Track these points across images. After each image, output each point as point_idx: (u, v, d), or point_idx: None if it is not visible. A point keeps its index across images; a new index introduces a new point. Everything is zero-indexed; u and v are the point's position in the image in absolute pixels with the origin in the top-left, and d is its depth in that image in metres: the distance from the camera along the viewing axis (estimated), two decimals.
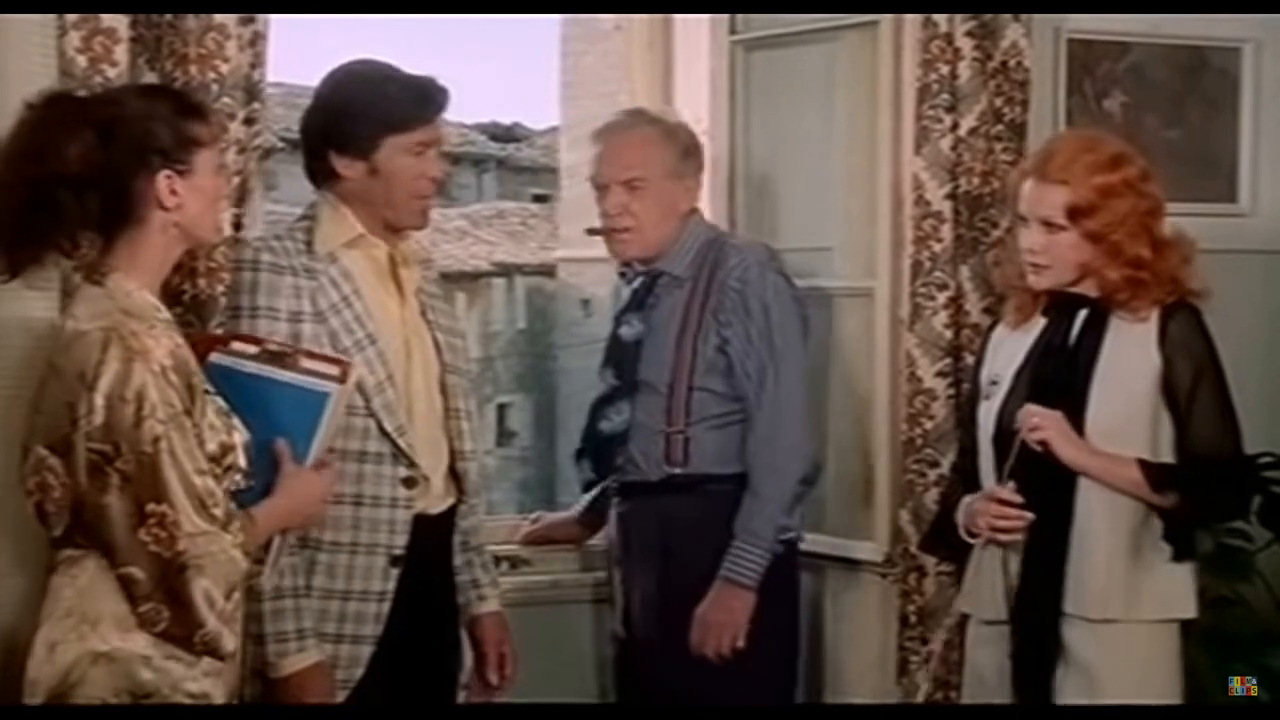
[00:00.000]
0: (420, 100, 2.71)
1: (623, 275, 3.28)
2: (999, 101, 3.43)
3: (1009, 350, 2.88)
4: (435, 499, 2.76)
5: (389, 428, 2.67)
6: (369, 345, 2.67)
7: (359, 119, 2.68)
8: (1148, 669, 2.78)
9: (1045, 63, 3.65)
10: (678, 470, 3.13)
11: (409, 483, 2.69)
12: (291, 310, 2.65)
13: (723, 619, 3.06)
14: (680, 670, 3.08)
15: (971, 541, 2.84)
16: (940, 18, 3.38)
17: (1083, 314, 2.79)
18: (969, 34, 3.39)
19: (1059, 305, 2.81)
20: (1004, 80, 3.44)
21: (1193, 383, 2.73)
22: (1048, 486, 2.74)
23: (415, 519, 2.71)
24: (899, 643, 3.50)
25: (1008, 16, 3.42)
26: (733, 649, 3.05)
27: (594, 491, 3.38)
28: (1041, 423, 2.73)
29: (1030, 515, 2.74)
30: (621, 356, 3.21)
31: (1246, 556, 3.52)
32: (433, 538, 2.77)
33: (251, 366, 2.48)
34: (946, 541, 2.98)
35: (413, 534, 2.70)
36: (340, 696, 2.66)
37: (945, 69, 3.40)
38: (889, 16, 3.47)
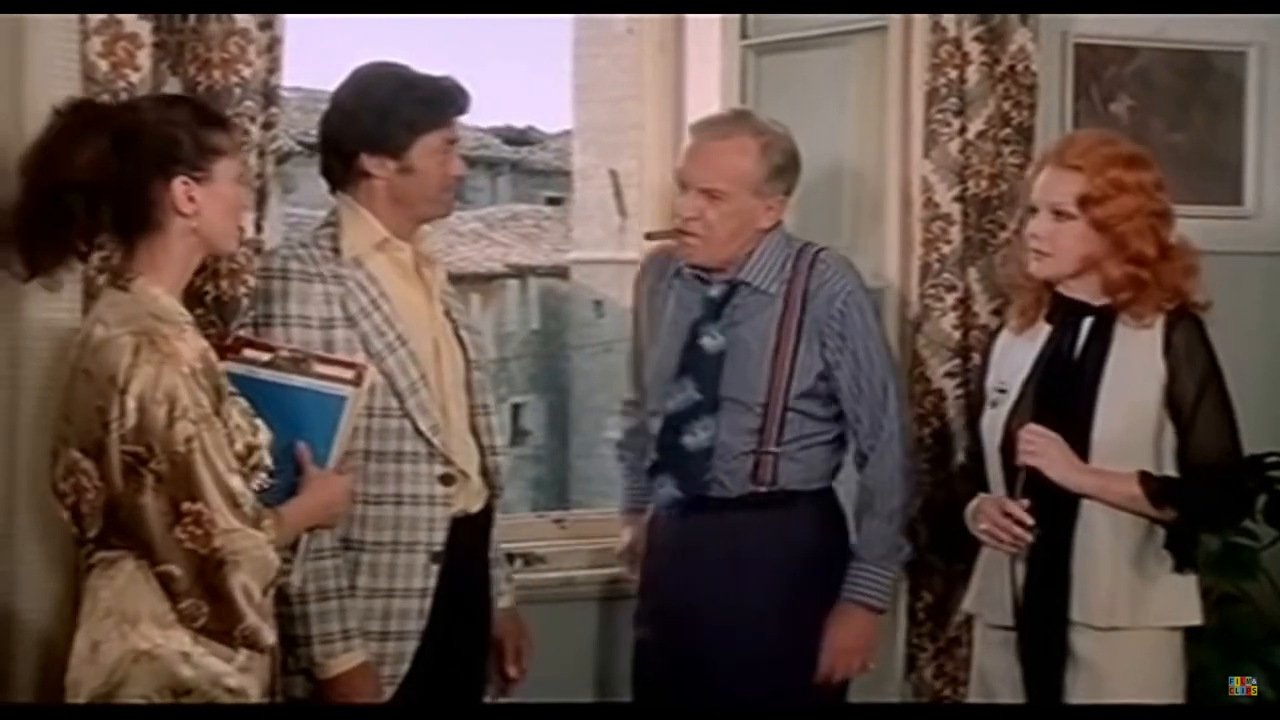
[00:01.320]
0: (447, 100, 2.77)
1: (690, 276, 3.10)
2: (1007, 105, 3.47)
3: (1016, 358, 2.88)
4: (474, 496, 2.81)
5: (423, 427, 2.71)
6: (400, 347, 2.71)
7: (393, 120, 2.72)
8: (1153, 674, 2.79)
9: (1053, 67, 3.69)
10: (763, 489, 3.02)
11: (446, 480, 2.74)
12: (323, 317, 2.69)
13: (857, 643, 3.02)
14: (741, 680, 3.01)
15: (983, 540, 2.86)
16: (949, 22, 3.41)
17: (1088, 323, 2.80)
18: (977, 38, 3.42)
19: (1064, 311, 2.82)
20: (1012, 84, 3.47)
21: (1197, 394, 2.73)
22: (1051, 496, 2.75)
23: (454, 518, 2.76)
24: (908, 639, 3.53)
25: (1016, 21, 3.45)
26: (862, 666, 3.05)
27: (633, 488, 3.30)
28: (1037, 446, 2.74)
29: (1029, 537, 2.74)
30: (702, 369, 3.04)
31: (1252, 555, 3.54)
32: (473, 535, 2.81)
33: (265, 373, 2.51)
34: (951, 540, 3.01)
35: (452, 532, 2.75)
36: (388, 692, 2.70)
37: (954, 73, 3.43)
38: (898, 20, 3.51)
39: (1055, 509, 2.75)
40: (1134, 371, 2.76)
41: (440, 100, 2.76)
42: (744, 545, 3.02)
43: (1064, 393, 2.79)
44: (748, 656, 3.00)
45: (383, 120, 2.72)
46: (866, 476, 3.05)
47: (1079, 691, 2.78)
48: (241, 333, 2.70)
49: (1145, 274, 2.74)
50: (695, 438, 3.02)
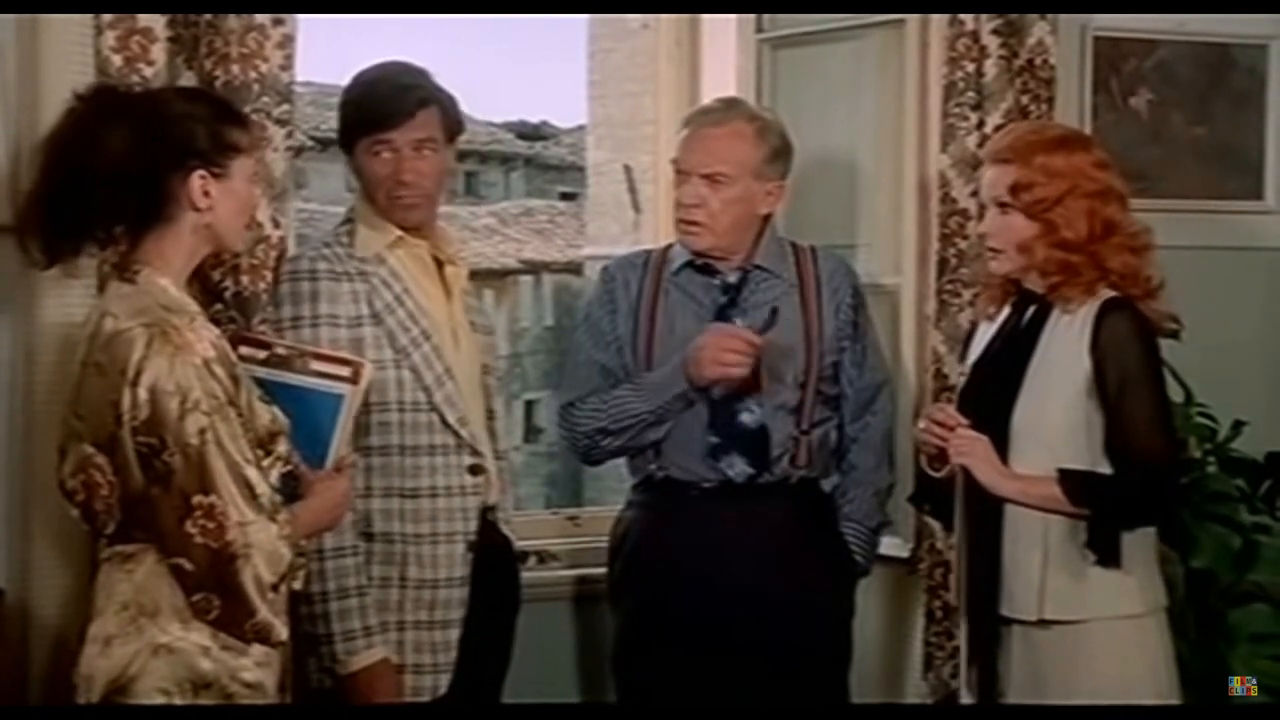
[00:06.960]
0: (377, 105, 2.77)
1: (694, 269, 3.09)
2: (1025, 99, 3.45)
3: (980, 341, 2.91)
4: (494, 490, 2.84)
5: (451, 420, 2.75)
6: (424, 342, 2.75)
7: (343, 121, 2.81)
8: (1112, 667, 2.71)
9: (1071, 60, 3.67)
10: (800, 472, 3.07)
11: (474, 470, 2.79)
12: (351, 315, 2.72)
13: None
14: (765, 672, 3.03)
15: (933, 474, 2.84)
16: (966, 15, 3.39)
17: (1030, 311, 2.79)
18: (995, 32, 3.41)
19: (1020, 299, 2.82)
20: (1030, 78, 3.45)
21: (1118, 389, 2.69)
22: (983, 490, 2.74)
23: (483, 507, 2.81)
24: (925, 638, 3.52)
25: (1034, 14, 3.44)
26: None
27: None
28: (964, 447, 2.74)
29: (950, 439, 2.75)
30: None
31: (1271, 550, 3.51)
32: (493, 527, 2.85)
33: (262, 372, 2.46)
34: (929, 495, 3.00)
35: (480, 522, 2.81)
36: (442, 681, 2.75)
37: (971, 67, 3.41)
38: (915, 15, 3.49)
39: (984, 503, 2.75)
40: (1059, 361, 2.74)
41: (370, 105, 2.78)
42: (769, 533, 3.03)
43: (994, 378, 2.80)
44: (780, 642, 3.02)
45: (341, 121, 2.82)
46: (854, 455, 3.14)
47: (1027, 685, 2.74)
48: (270, 331, 2.69)
49: (1074, 258, 2.72)
50: (753, 414, 3.04)
